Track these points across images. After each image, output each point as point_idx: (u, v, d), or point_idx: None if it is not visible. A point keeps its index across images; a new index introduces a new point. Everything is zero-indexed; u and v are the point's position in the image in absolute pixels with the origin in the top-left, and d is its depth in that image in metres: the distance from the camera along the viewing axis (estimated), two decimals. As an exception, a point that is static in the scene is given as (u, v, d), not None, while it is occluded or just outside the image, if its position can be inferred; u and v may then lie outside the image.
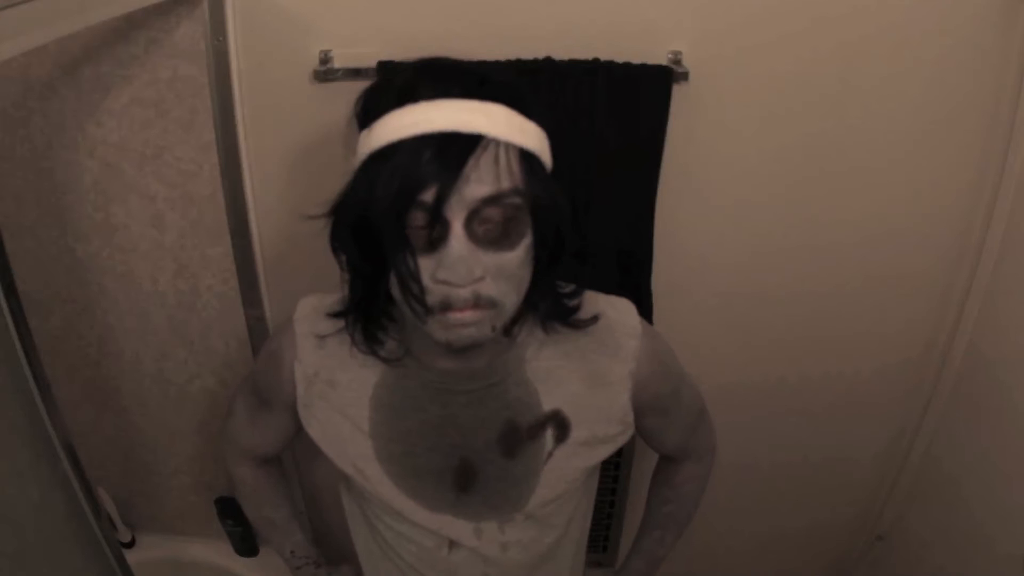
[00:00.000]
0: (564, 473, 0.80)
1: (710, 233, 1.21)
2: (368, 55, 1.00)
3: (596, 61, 1.00)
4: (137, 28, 1.00)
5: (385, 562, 0.88)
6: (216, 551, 1.49)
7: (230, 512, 1.43)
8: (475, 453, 0.78)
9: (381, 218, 0.61)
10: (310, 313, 0.80)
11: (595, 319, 0.78)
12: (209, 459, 1.41)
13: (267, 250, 1.18)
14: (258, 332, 1.24)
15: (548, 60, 1.00)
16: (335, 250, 0.69)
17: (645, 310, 1.20)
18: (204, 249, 1.17)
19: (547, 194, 0.64)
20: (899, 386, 1.39)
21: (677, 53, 1.03)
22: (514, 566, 0.84)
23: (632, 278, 1.16)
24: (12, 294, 0.60)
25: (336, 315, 0.77)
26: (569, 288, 0.77)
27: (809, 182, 1.16)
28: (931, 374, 1.35)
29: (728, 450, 1.46)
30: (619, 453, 1.41)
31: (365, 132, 0.64)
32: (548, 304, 0.75)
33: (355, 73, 1.02)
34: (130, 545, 1.48)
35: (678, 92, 1.04)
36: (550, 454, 0.79)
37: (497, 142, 0.61)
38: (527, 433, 0.78)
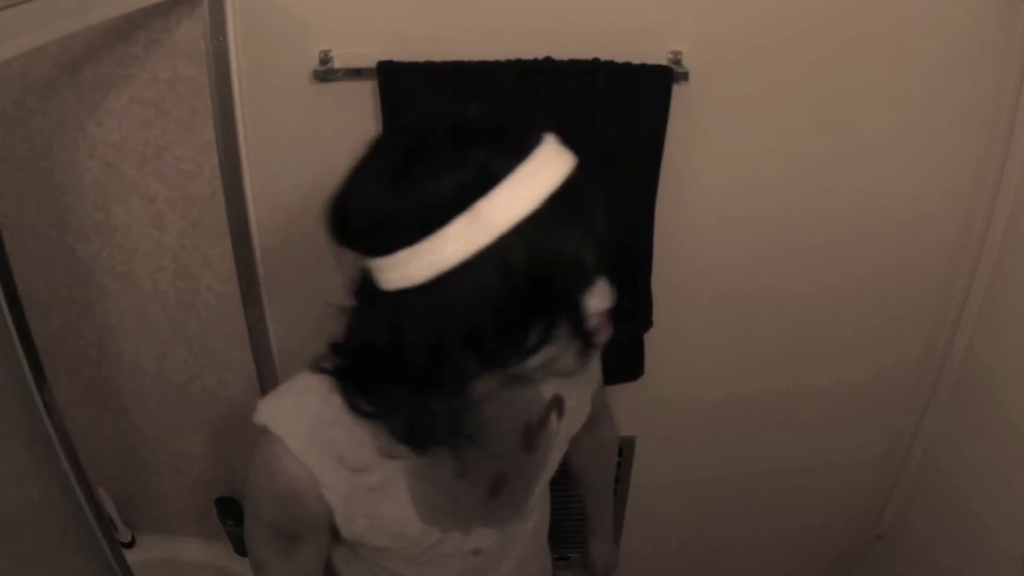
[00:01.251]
0: (561, 444, 0.83)
1: (710, 233, 1.21)
2: (368, 55, 1.00)
3: (596, 61, 1.00)
4: (137, 28, 1.00)
5: None
6: (216, 551, 1.49)
7: (230, 512, 1.43)
8: (505, 462, 0.79)
9: (588, 267, 0.58)
10: (303, 431, 0.68)
11: None
12: (209, 459, 1.41)
13: (267, 250, 1.18)
14: (258, 332, 1.24)
15: (548, 60, 1.00)
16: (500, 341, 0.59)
17: (645, 310, 1.20)
18: (204, 249, 1.17)
19: None
20: (899, 387, 1.38)
21: (677, 53, 1.03)
22: (519, 552, 0.87)
23: (632, 278, 1.16)
24: (12, 294, 0.60)
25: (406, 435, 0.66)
26: None
27: (809, 182, 1.16)
28: (930, 375, 1.35)
29: (729, 450, 1.47)
30: (619, 453, 1.41)
31: (508, 185, 0.54)
32: None
33: (355, 73, 1.02)
34: (130, 545, 1.48)
35: (678, 92, 1.04)
36: (556, 432, 0.81)
37: None
38: (539, 425, 0.79)
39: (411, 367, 0.59)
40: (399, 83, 1.01)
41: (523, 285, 0.55)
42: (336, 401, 0.67)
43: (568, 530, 1.32)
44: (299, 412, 0.69)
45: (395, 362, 0.59)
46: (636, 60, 1.01)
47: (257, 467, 0.70)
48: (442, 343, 0.57)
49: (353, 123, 1.06)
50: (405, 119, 0.65)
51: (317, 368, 0.69)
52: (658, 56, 1.02)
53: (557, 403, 0.80)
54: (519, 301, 0.56)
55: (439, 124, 0.57)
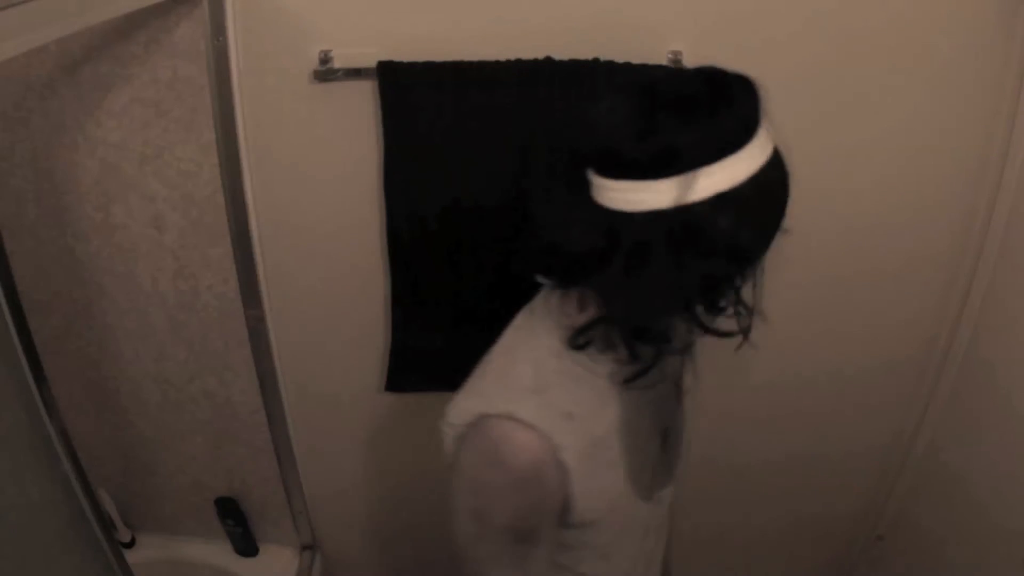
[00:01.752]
0: (690, 404, 0.89)
1: (710, 233, 1.21)
2: (368, 55, 1.00)
3: (596, 61, 1.00)
4: (137, 28, 1.00)
5: None
6: (216, 551, 1.49)
7: (230, 512, 1.43)
8: (669, 411, 0.85)
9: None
10: (527, 399, 0.68)
11: None
12: (209, 459, 1.41)
13: (267, 250, 1.18)
14: (258, 332, 1.24)
15: (548, 60, 1.00)
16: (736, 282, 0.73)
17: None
18: (204, 249, 1.17)
19: None
20: (900, 383, 1.38)
21: (677, 53, 1.03)
22: (665, 538, 0.93)
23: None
24: (12, 294, 0.60)
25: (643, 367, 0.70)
26: None
27: (809, 180, 1.15)
28: (932, 371, 1.35)
29: (728, 448, 1.47)
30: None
31: (732, 158, 0.65)
32: None
33: (355, 73, 1.02)
34: (130, 545, 1.48)
35: (678, 92, 1.04)
36: (689, 388, 0.88)
37: None
38: (680, 375, 0.86)
39: (738, 259, 0.70)
40: (399, 83, 1.01)
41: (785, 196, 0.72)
42: (549, 365, 0.70)
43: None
44: (513, 387, 0.69)
45: (711, 263, 0.66)
46: (636, 60, 1.01)
47: (480, 465, 0.68)
48: (763, 228, 0.73)
49: (353, 123, 1.06)
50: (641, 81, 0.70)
51: (575, 347, 0.70)
52: (658, 56, 1.02)
53: (690, 356, 0.85)
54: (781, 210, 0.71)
55: (694, 78, 0.68)
